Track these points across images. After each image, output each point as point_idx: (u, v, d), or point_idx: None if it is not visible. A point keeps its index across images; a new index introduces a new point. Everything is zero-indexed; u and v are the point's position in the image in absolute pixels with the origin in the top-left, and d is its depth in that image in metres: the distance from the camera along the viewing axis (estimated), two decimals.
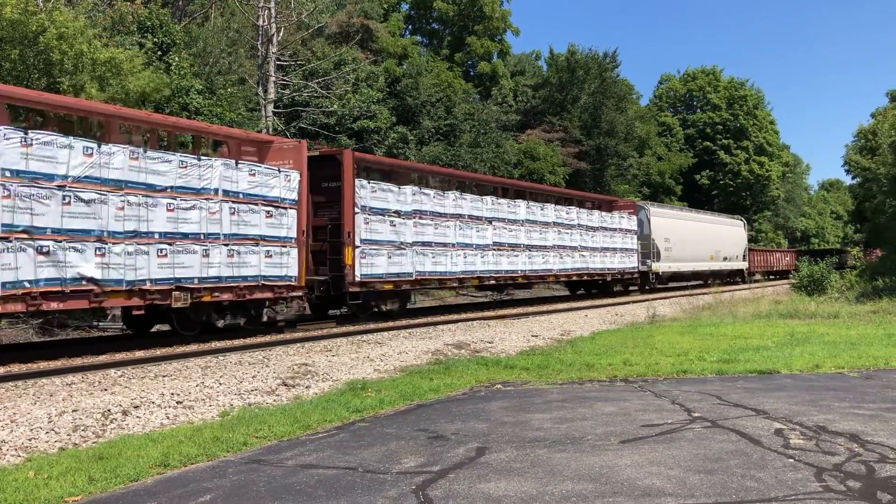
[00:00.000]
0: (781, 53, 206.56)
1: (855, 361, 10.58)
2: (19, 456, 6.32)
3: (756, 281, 49.77)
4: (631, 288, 34.88)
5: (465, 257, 21.97)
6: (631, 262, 33.03)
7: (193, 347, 13.79)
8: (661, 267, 35.75)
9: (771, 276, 57.47)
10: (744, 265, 47.43)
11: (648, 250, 34.35)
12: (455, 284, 22.09)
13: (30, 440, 6.78)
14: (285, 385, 9.67)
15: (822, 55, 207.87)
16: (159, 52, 23.13)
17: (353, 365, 11.42)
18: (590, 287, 32.37)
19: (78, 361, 12.00)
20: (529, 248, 25.29)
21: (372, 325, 18.09)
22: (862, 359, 10.77)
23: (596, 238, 29.96)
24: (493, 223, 23.45)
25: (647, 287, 34.96)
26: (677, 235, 37.30)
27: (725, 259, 44.17)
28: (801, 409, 7.43)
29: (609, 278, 31.52)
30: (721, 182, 66.93)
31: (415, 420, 7.33)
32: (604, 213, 31.17)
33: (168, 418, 7.77)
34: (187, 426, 7.30)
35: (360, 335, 15.88)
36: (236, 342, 14.48)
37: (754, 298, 25.40)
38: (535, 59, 56.36)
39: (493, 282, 23.90)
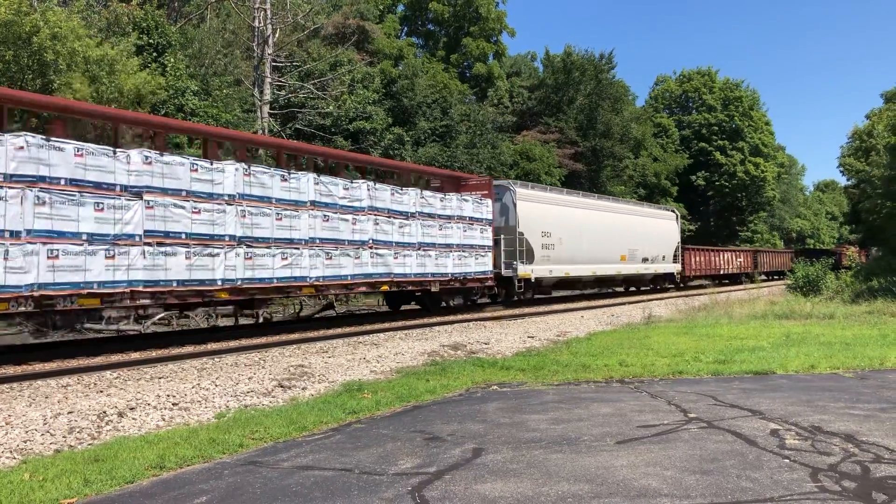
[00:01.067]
0: (777, 54, 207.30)
1: (850, 362, 10.62)
2: (14, 458, 6.30)
3: (695, 288, 41.32)
4: (499, 300, 25.78)
5: (56, 257, 11.96)
6: (482, 265, 22.97)
7: (189, 349, 13.78)
8: (536, 271, 25.64)
9: (723, 282, 47.18)
10: (674, 268, 37.75)
11: (514, 248, 24.71)
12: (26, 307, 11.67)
13: (25, 442, 6.77)
14: (281, 386, 9.66)
15: (817, 56, 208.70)
16: (155, 54, 23.10)
17: (349, 366, 11.42)
18: (421, 301, 22.91)
19: (73, 363, 11.97)
20: (250, 242, 15.37)
21: (367, 327, 18.09)
22: (857, 359, 10.81)
23: (410, 230, 19.98)
24: (148, 198, 13.43)
25: (514, 299, 25.65)
26: (565, 228, 27.74)
27: (646, 260, 34.68)
28: (796, 409, 7.45)
29: (435, 287, 21.17)
30: (717, 183, 67.04)
31: (411, 421, 7.33)
32: (429, 194, 21.12)
33: (164, 420, 7.76)
34: (183, 428, 7.30)
35: (357, 336, 15.88)
36: (232, 343, 14.46)
37: (750, 299, 25.45)
38: (530, 61, 56.42)
39: (145, 300, 13.45)
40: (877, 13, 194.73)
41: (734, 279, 49.17)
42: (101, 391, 9.35)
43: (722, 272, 46.75)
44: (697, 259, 42.75)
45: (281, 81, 30.19)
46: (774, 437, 6.30)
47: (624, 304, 27.85)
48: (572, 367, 10.74)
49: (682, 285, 40.04)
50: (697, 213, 66.67)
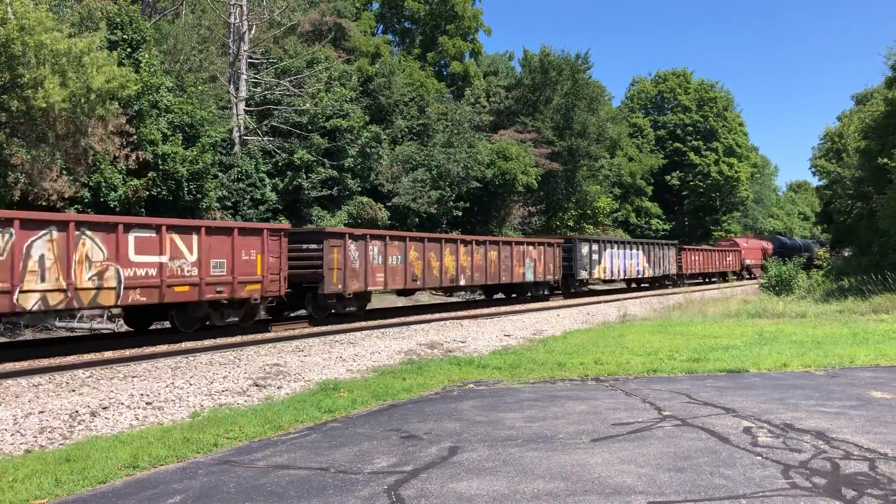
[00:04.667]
0: (751, 56, 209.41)
1: (821, 360, 10.77)
2: None
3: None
4: None
5: None
6: None
7: (163, 348, 13.63)
8: None
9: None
10: None
11: None
12: None
13: None
14: (256, 385, 9.60)
15: (790, 58, 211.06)
16: (129, 49, 22.81)
17: (325, 365, 11.37)
18: None
19: (45, 362, 11.80)
20: None
21: (345, 325, 18.02)
22: (828, 357, 10.97)
23: None
24: None
25: None
26: None
27: None
28: (769, 407, 7.54)
29: None
30: (691, 183, 67.57)
31: (387, 420, 7.32)
32: None
33: (137, 419, 7.68)
34: (157, 427, 7.23)
35: (333, 335, 15.80)
36: (207, 342, 14.33)
37: (724, 298, 25.71)
38: (507, 60, 56.43)
39: None
40: (848, 16, 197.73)
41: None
42: (74, 390, 9.22)
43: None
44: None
45: (257, 78, 29.95)
46: (747, 434, 6.37)
47: (600, 302, 28.02)
48: (548, 366, 10.79)
49: None
50: (672, 213, 67.17)
